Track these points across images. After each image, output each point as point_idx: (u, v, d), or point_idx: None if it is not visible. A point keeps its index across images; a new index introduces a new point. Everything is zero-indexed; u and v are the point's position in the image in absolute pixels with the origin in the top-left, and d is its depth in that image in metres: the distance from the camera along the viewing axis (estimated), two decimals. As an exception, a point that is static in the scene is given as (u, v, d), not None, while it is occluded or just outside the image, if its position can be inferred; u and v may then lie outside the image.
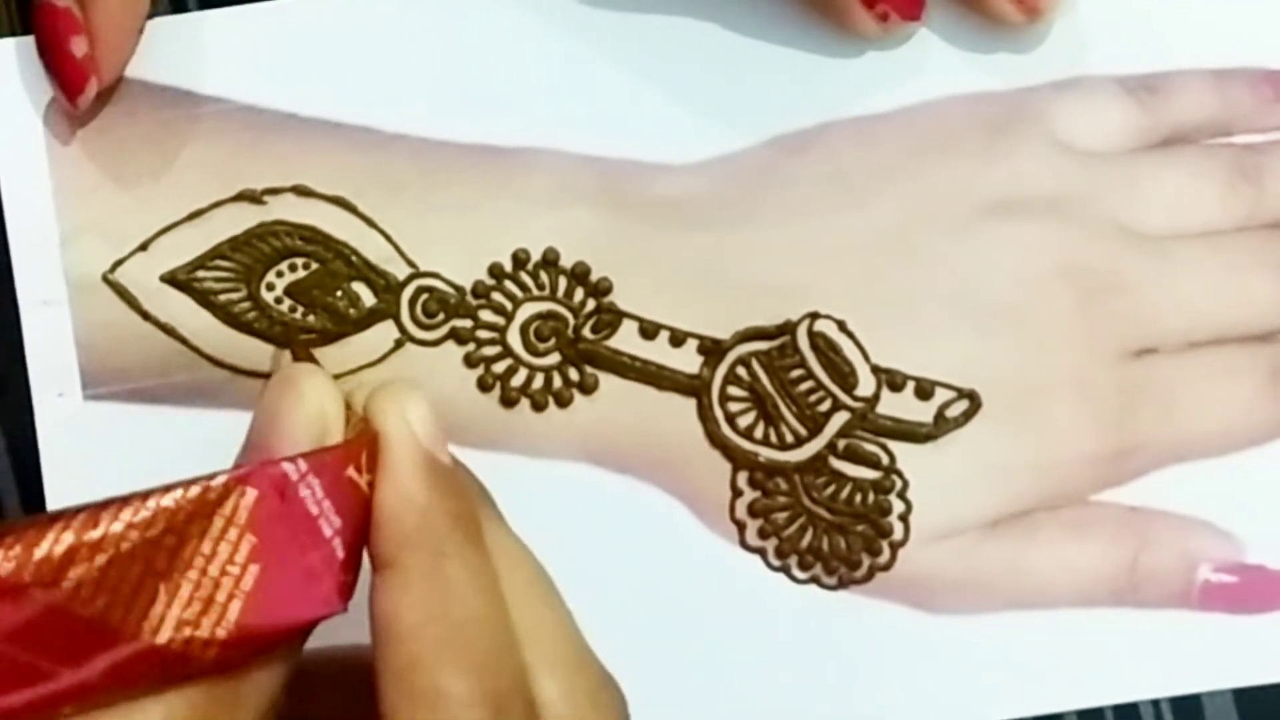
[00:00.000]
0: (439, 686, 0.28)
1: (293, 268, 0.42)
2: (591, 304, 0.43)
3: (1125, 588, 0.43)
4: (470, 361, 0.42)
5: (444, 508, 0.30)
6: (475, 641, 0.29)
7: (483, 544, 0.30)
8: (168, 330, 0.42)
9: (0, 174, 0.43)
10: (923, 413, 0.42)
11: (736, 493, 0.42)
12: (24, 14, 0.42)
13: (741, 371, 0.42)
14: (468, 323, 0.43)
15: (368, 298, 0.42)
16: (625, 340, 0.43)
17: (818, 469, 0.42)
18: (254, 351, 0.42)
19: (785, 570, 0.42)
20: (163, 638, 0.28)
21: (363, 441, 0.30)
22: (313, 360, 0.42)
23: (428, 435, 0.31)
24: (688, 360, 0.43)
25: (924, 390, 0.42)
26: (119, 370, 0.42)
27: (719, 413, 0.42)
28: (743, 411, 0.42)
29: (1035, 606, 0.43)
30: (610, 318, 0.43)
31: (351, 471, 0.30)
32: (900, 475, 0.42)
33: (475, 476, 0.33)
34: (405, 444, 0.30)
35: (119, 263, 0.42)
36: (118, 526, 0.28)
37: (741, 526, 0.42)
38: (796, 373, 0.42)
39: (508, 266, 0.43)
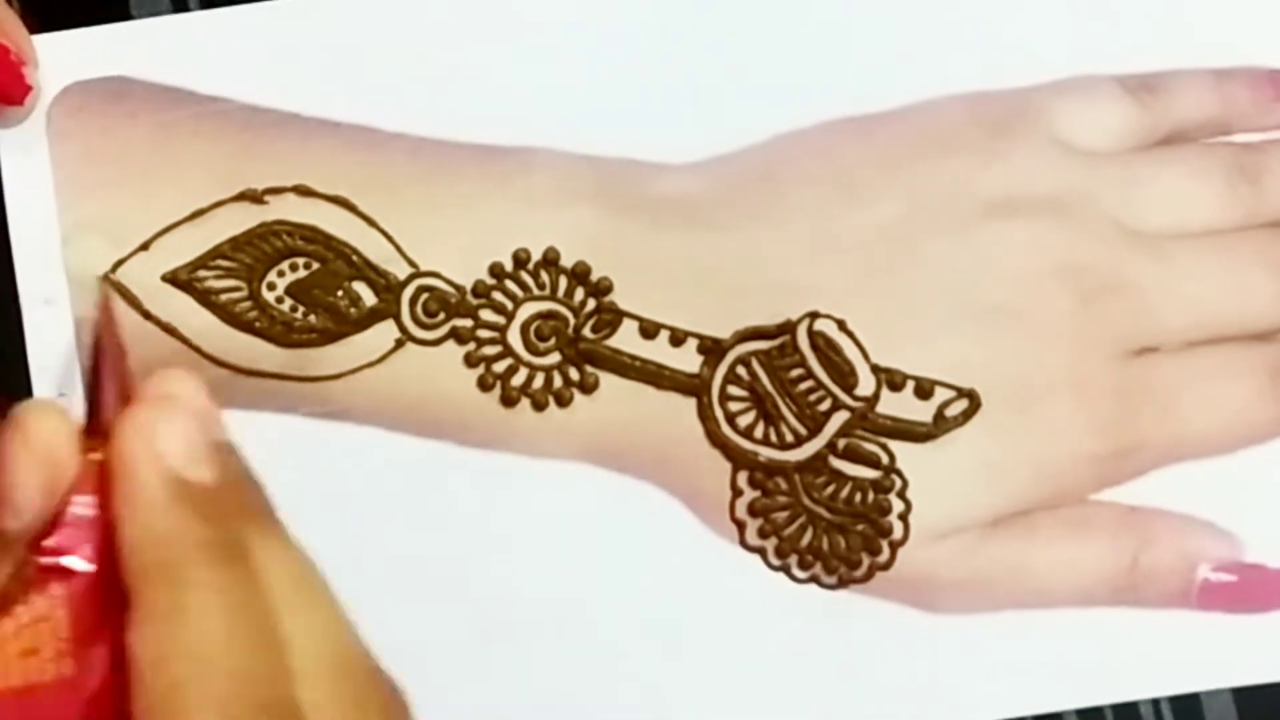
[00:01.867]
0: None
1: (294, 267, 0.42)
2: (592, 303, 0.43)
3: (1125, 587, 0.43)
4: (471, 361, 0.42)
5: (189, 535, 0.28)
6: (221, 673, 0.27)
7: (241, 562, 0.29)
8: (169, 330, 0.42)
9: (2, 173, 0.43)
10: (922, 412, 0.42)
11: (736, 492, 0.42)
12: (29, 12, 0.43)
13: (741, 371, 0.42)
14: (468, 322, 0.43)
15: (368, 297, 0.43)
16: (625, 340, 0.43)
17: (818, 468, 0.42)
18: (255, 351, 0.42)
19: (785, 570, 0.42)
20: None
21: (88, 470, 0.29)
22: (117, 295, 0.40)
23: (180, 456, 0.29)
24: (688, 360, 0.43)
25: (924, 390, 0.42)
26: (119, 370, 0.42)
27: (719, 412, 0.42)
28: (743, 411, 0.42)
29: (1035, 606, 0.43)
30: (610, 317, 0.43)
31: (78, 507, 0.29)
32: (900, 475, 0.42)
33: (250, 477, 0.31)
34: (142, 472, 0.29)
35: (120, 262, 0.42)
36: None
37: (741, 526, 0.42)
38: (796, 372, 0.42)
39: (508, 266, 0.43)
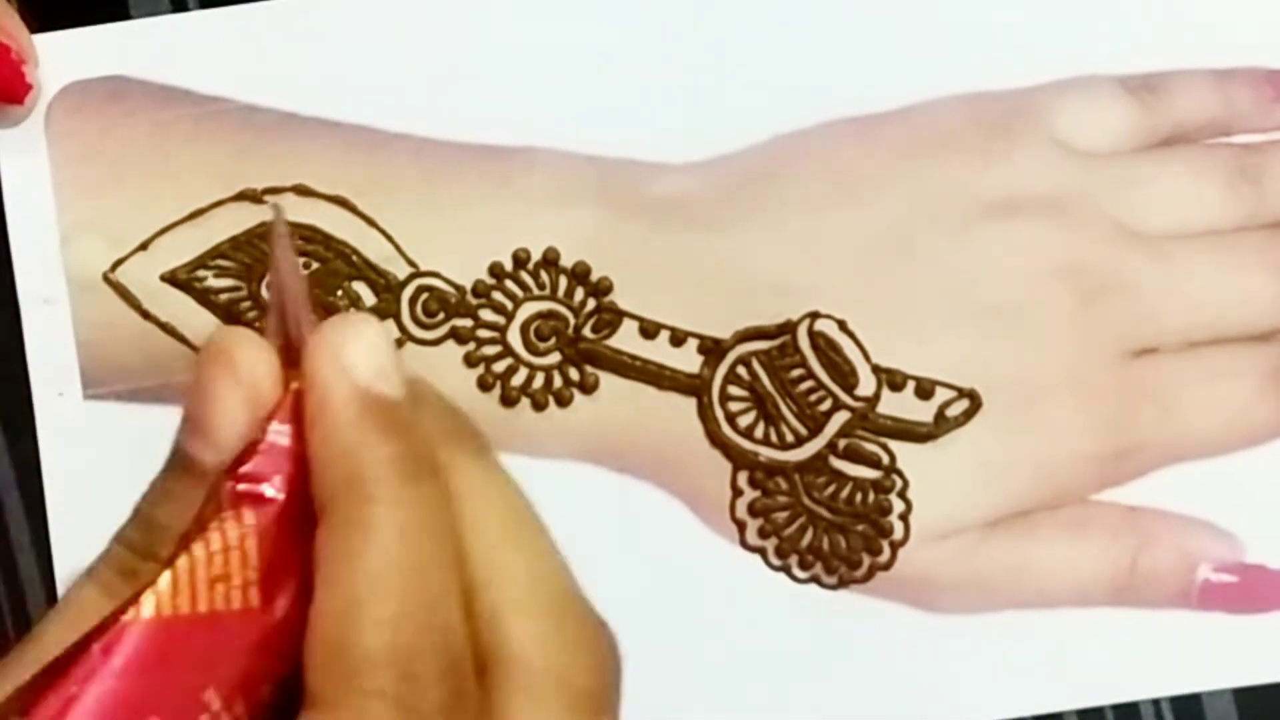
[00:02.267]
0: (344, 641, 0.27)
1: (293, 267, 0.42)
2: (592, 303, 0.43)
3: (1125, 588, 0.43)
4: (470, 361, 0.42)
5: (377, 449, 0.28)
6: (396, 592, 0.27)
7: (431, 484, 0.28)
8: (168, 330, 0.42)
9: (1, 173, 0.43)
10: (923, 412, 0.42)
11: (737, 492, 0.42)
12: (28, 11, 0.42)
13: (742, 371, 0.42)
14: (468, 322, 0.43)
15: (368, 297, 0.42)
16: (625, 340, 0.43)
17: (818, 468, 0.42)
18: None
19: (785, 570, 0.42)
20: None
21: (284, 397, 0.29)
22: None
23: (370, 368, 0.28)
24: (688, 360, 0.43)
25: (924, 390, 0.42)
26: (119, 370, 0.42)
27: (719, 412, 0.42)
28: (743, 411, 0.42)
29: (1035, 606, 0.43)
30: (610, 317, 0.43)
31: (274, 434, 0.29)
32: (900, 475, 0.42)
33: (459, 412, 0.31)
34: (335, 388, 0.28)
35: (119, 262, 0.42)
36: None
37: (742, 526, 0.42)
38: (797, 372, 0.42)
39: (508, 266, 0.43)
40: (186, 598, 0.28)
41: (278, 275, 0.30)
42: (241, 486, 0.28)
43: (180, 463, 0.30)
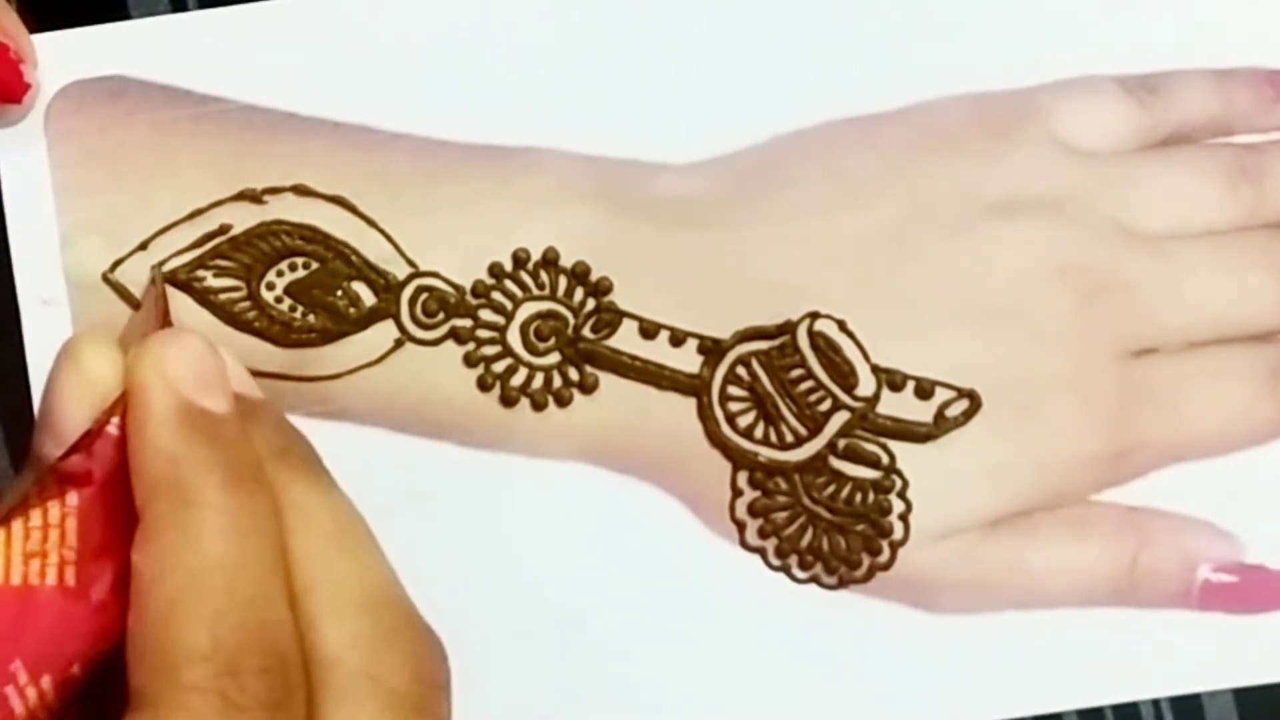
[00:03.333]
0: (166, 638, 0.27)
1: (293, 267, 0.42)
2: (591, 303, 0.43)
3: (1125, 588, 0.43)
4: (470, 361, 0.42)
5: (197, 456, 0.29)
6: (218, 590, 0.28)
7: (252, 490, 0.29)
8: (168, 330, 0.42)
9: (1, 174, 0.43)
10: (923, 412, 0.42)
11: (736, 492, 0.42)
12: (27, 11, 0.42)
13: (741, 371, 0.42)
14: (468, 322, 0.43)
15: (368, 297, 0.42)
16: (625, 340, 0.43)
17: (818, 469, 0.42)
18: (254, 351, 0.42)
19: (785, 570, 0.42)
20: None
21: (122, 397, 0.30)
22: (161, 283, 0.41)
23: (191, 380, 0.30)
24: (688, 360, 0.43)
25: (924, 390, 0.42)
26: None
27: (719, 412, 0.42)
28: (743, 411, 0.42)
29: (1035, 606, 0.43)
30: (610, 317, 0.43)
31: (111, 427, 0.30)
32: (900, 475, 0.42)
33: (293, 429, 0.32)
34: (152, 392, 0.29)
35: (119, 262, 0.42)
36: None
37: (741, 526, 0.42)
38: (796, 372, 0.42)
39: (508, 266, 0.43)
40: (0, 568, 0.29)
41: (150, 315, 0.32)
42: (67, 466, 0.30)
43: (30, 460, 0.31)
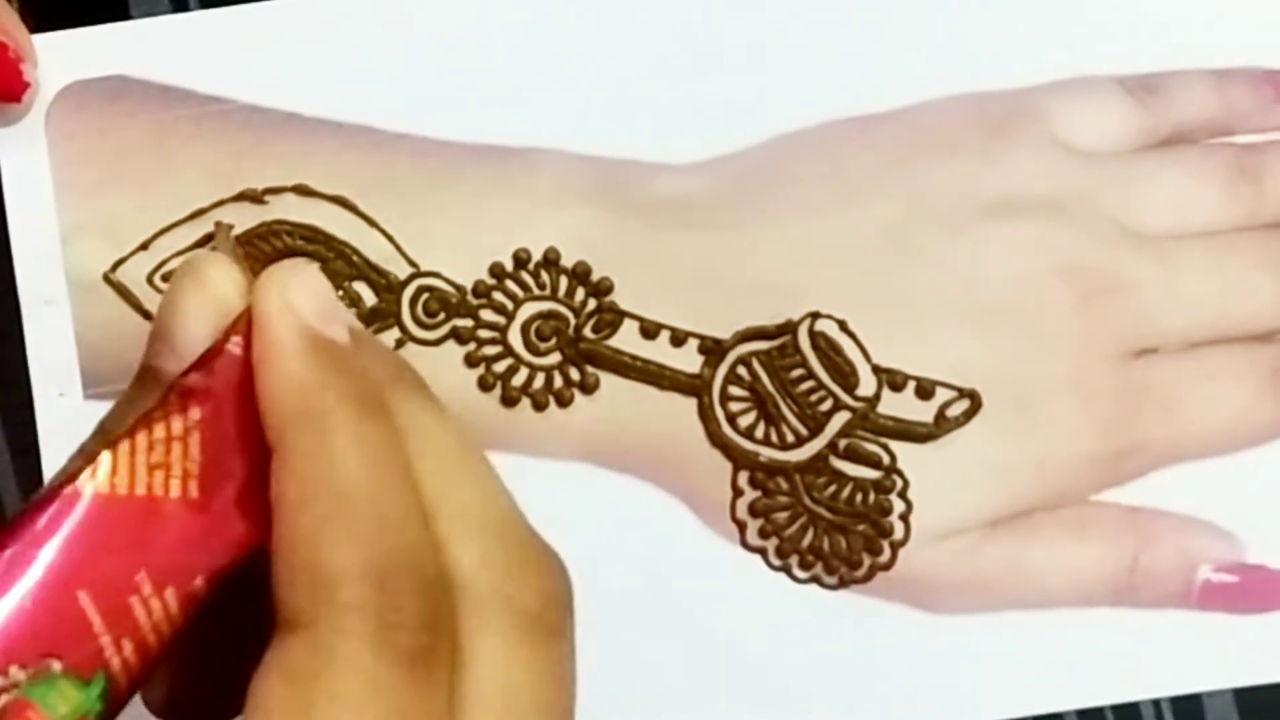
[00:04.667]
0: (318, 560, 0.27)
1: (293, 267, 0.42)
2: (592, 303, 0.43)
3: (1125, 588, 0.43)
4: (471, 361, 0.42)
5: (328, 384, 0.29)
6: (360, 514, 0.28)
7: (380, 419, 0.29)
8: (168, 330, 0.42)
9: (2, 174, 0.43)
10: (923, 412, 0.42)
11: (737, 492, 0.42)
12: (28, 11, 0.42)
13: (742, 371, 0.42)
14: (468, 322, 0.43)
15: (369, 297, 0.42)
16: (626, 340, 0.43)
17: (819, 469, 0.42)
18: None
19: (786, 570, 0.42)
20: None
21: (243, 313, 0.30)
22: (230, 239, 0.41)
23: (314, 311, 0.30)
24: (688, 360, 0.43)
25: (925, 390, 0.42)
26: (120, 369, 0.42)
27: (720, 412, 0.42)
28: (743, 411, 0.42)
29: (1035, 606, 0.43)
30: (611, 317, 0.43)
31: (232, 345, 0.30)
32: (901, 475, 0.42)
33: (397, 356, 0.32)
34: (281, 323, 0.29)
35: (120, 262, 0.42)
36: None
37: (742, 526, 0.42)
38: (797, 372, 0.42)
39: (509, 266, 0.43)
40: (125, 478, 0.29)
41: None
42: (191, 381, 0.30)
43: (143, 374, 0.31)
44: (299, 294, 0.30)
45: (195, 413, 0.29)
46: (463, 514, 0.29)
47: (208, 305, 0.30)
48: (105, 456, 0.28)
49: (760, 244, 0.43)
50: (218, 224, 0.42)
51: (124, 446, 0.29)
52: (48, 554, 0.28)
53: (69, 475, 0.28)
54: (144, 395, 0.31)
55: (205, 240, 0.42)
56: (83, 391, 0.42)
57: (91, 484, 0.28)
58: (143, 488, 0.29)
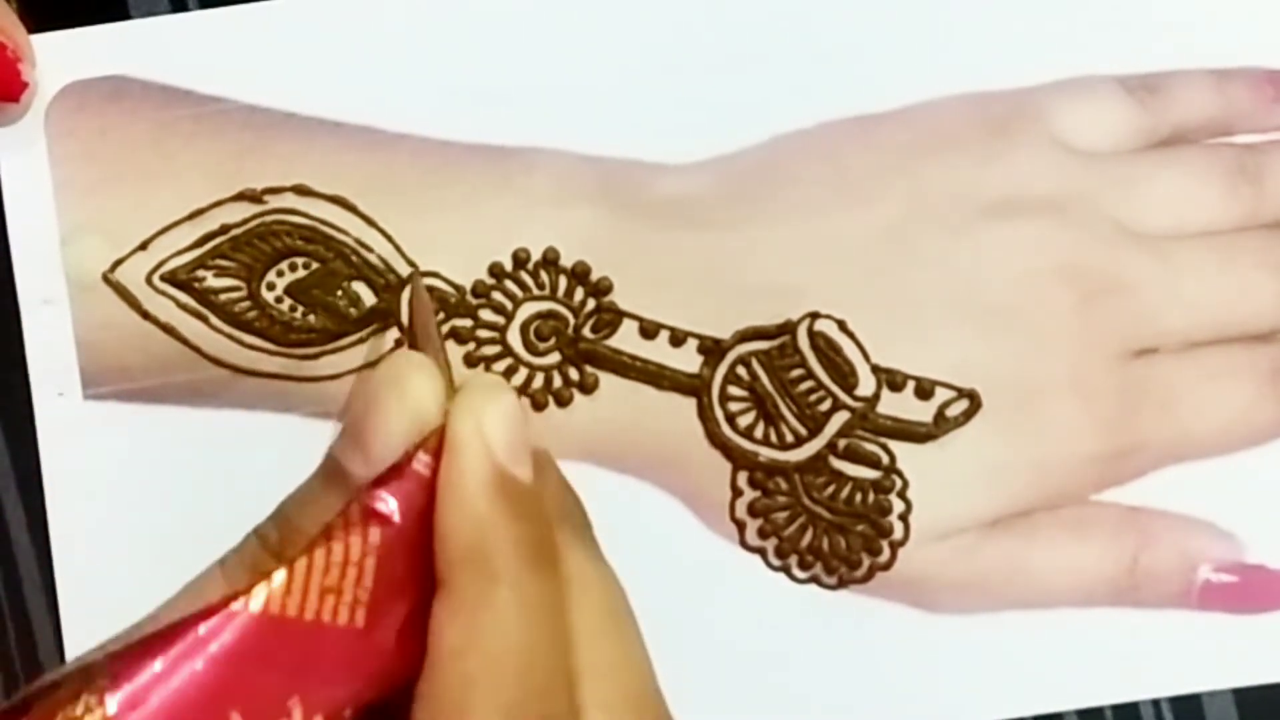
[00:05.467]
0: (463, 717, 0.27)
1: (293, 267, 0.42)
2: (592, 303, 0.43)
3: (1125, 587, 0.43)
4: (470, 361, 0.42)
5: (507, 529, 0.28)
6: (512, 678, 0.27)
7: (550, 571, 0.29)
8: (168, 330, 0.42)
9: (0, 173, 0.43)
10: (923, 412, 0.42)
11: (736, 492, 0.42)
12: (27, 11, 0.42)
13: (742, 371, 0.42)
14: (468, 322, 0.43)
15: (368, 297, 0.42)
16: (625, 340, 0.43)
17: (818, 469, 0.42)
18: (254, 351, 0.42)
19: (785, 570, 0.42)
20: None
21: (436, 432, 0.29)
22: (428, 307, 0.40)
23: (504, 447, 0.29)
24: (688, 360, 0.43)
25: (924, 390, 0.42)
26: (119, 370, 0.42)
27: (719, 412, 0.42)
28: (743, 411, 0.42)
29: (1035, 606, 0.43)
30: (610, 317, 0.43)
31: (419, 464, 0.29)
32: (900, 475, 0.42)
33: (571, 492, 0.31)
34: (472, 453, 0.29)
35: (119, 262, 0.42)
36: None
37: (741, 526, 0.42)
38: (797, 372, 0.42)
39: (508, 266, 0.43)
40: (296, 601, 0.28)
41: (418, 328, 0.32)
42: (376, 505, 0.29)
43: (330, 469, 0.30)
44: (494, 425, 0.29)
45: (375, 536, 0.28)
46: (606, 683, 0.29)
47: (406, 415, 0.29)
48: (280, 575, 0.28)
49: (760, 244, 0.43)
50: (414, 286, 0.41)
51: (300, 566, 0.28)
52: (203, 670, 0.27)
53: (239, 591, 0.27)
54: (327, 492, 0.30)
55: (205, 239, 0.42)
56: (82, 391, 0.42)
57: (262, 602, 0.27)
58: (312, 613, 0.28)
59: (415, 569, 0.29)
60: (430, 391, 0.30)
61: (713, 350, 0.43)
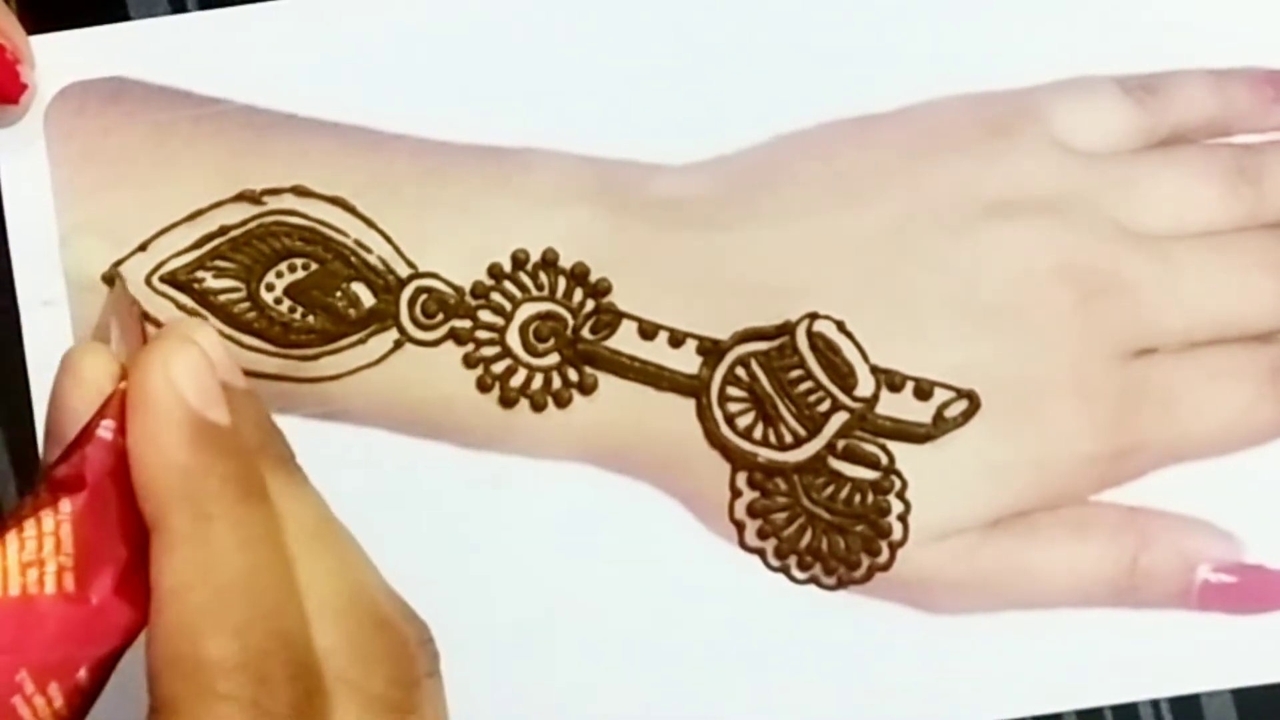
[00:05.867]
0: (197, 653, 0.28)
1: (292, 268, 0.42)
2: (590, 304, 0.43)
3: (1125, 588, 0.43)
4: (469, 362, 0.42)
5: (209, 468, 0.29)
6: (238, 604, 0.28)
7: (260, 500, 0.30)
8: (167, 330, 0.42)
9: (0, 174, 0.43)
10: (922, 413, 0.42)
11: (735, 493, 0.42)
12: (26, 12, 0.43)
13: (741, 372, 0.42)
14: (467, 323, 0.43)
15: (367, 298, 0.42)
16: (624, 340, 0.43)
17: (817, 469, 0.42)
18: (254, 352, 0.42)
19: (784, 570, 0.42)
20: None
21: (115, 395, 0.30)
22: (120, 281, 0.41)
23: (196, 394, 0.30)
24: (687, 360, 0.43)
25: (923, 390, 0.42)
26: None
27: (718, 413, 0.42)
28: (742, 412, 0.42)
29: (1035, 606, 0.43)
30: (609, 318, 0.43)
31: (103, 430, 0.30)
32: (899, 475, 0.42)
33: (269, 422, 0.32)
34: (163, 402, 0.29)
35: (119, 262, 0.42)
36: None
37: (740, 527, 0.42)
38: (796, 373, 0.42)
39: (507, 267, 0.43)
40: None
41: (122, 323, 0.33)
42: (59, 473, 0.30)
43: (41, 473, 0.31)
44: (182, 374, 0.30)
45: (66, 505, 0.30)
46: (317, 597, 0.30)
47: (80, 392, 0.31)
48: None
49: (759, 244, 0.43)
50: (116, 275, 0.42)
51: None
52: None
53: None
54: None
55: (204, 240, 0.42)
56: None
57: None
58: (16, 588, 0.29)
59: (120, 525, 0.30)
60: (101, 365, 0.31)
61: (712, 351, 0.42)
